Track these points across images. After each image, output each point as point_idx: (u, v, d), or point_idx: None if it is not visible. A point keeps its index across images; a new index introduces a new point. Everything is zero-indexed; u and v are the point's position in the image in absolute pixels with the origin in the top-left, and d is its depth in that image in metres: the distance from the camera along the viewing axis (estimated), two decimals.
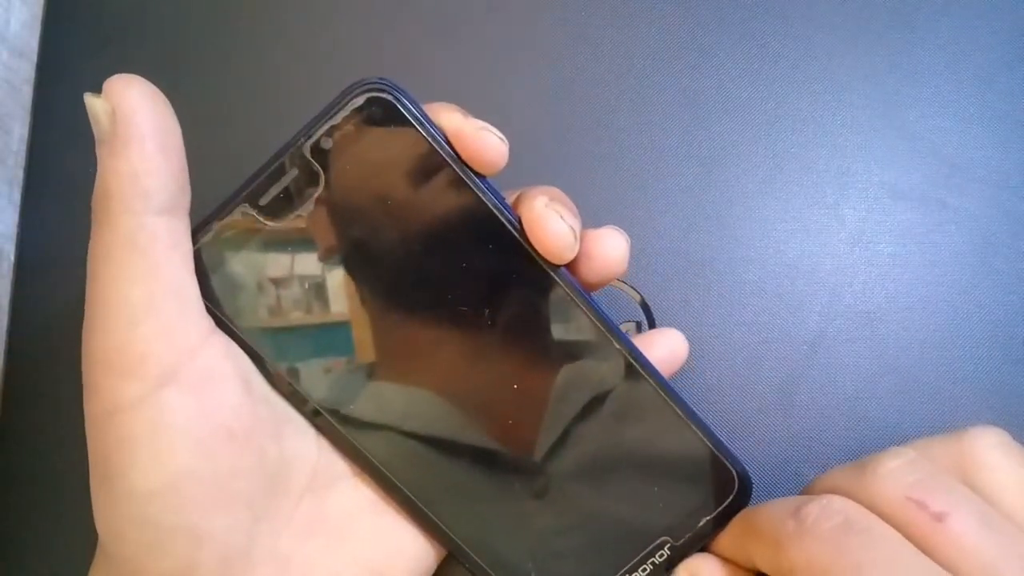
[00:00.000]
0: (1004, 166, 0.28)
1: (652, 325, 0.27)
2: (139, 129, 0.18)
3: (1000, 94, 0.28)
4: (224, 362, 0.20)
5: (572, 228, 0.21)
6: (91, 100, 0.18)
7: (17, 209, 0.28)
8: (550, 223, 0.20)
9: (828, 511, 0.18)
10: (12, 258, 0.28)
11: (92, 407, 0.19)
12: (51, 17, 0.29)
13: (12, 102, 0.28)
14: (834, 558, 0.17)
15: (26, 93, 0.28)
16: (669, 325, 0.27)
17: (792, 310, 0.27)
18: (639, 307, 0.27)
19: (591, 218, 0.27)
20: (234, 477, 0.19)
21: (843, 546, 0.17)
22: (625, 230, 0.27)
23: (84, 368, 0.19)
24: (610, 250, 0.22)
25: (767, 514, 0.20)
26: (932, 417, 0.26)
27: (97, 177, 0.18)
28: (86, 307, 0.19)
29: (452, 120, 0.20)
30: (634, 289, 0.27)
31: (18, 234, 0.28)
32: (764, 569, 0.20)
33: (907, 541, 0.17)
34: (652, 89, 0.28)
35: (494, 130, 0.20)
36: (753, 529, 0.20)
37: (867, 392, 0.26)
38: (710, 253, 0.27)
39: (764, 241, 0.27)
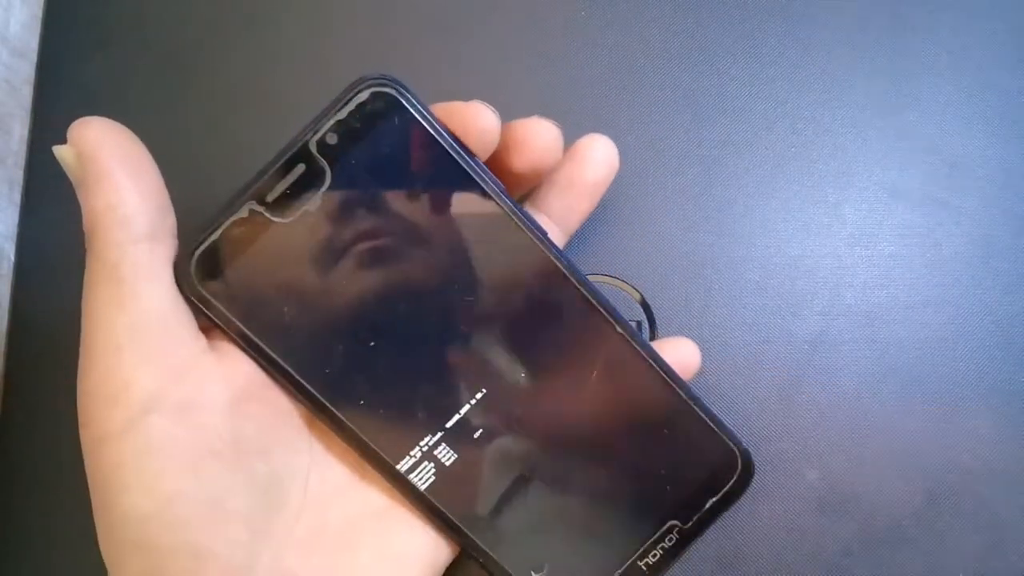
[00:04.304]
0: (1004, 166, 0.28)
1: (652, 323, 0.27)
2: (106, 164, 0.19)
3: (1000, 94, 0.28)
4: (212, 383, 0.20)
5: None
6: (58, 150, 0.19)
7: (17, 209, 0.28)
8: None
9: None
10: (12, 258, 0.28)
11: (85, 436, 0.19)
12: (51, 17, 0.29)
13: (12, 102, 0.28)
14: None
15: (26, 93, 0.28)
16: (669, 324, 0.27)
17: (793, 310, 0.27)
18: (639, 306, 0.27)
19: (592, 219, 0.27)
20: (227, 495, 0.19)
21: None
22: (625, 230, 0.27)
23: (77, 398, 0.19)
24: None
25: None
26: (932, 417, 0.26)
27: (83, 217, 0.19)
28: (80, 338, 0.19)
29: (442, 106, 0.21)
30: (634, 288, 0.27)
31: (18, 234, 0.28)
32: None
33: None
34: (652, 89, 0.28)
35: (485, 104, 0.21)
36: None
37: (867, 392, 0.26)
38: (710, 253, 0.27)
39: (765, 240, 0.27)
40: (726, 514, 0.26)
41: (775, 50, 0.28)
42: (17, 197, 0.28)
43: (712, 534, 0.26)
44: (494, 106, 0.21)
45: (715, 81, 0.28)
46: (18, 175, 0.28)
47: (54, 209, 0.28)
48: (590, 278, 0.24)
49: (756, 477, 0.26)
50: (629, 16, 0.29)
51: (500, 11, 0.29)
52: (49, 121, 0.28)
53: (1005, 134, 0.28)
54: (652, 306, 0.27)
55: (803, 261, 0.27)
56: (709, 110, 0.28)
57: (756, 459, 0.25)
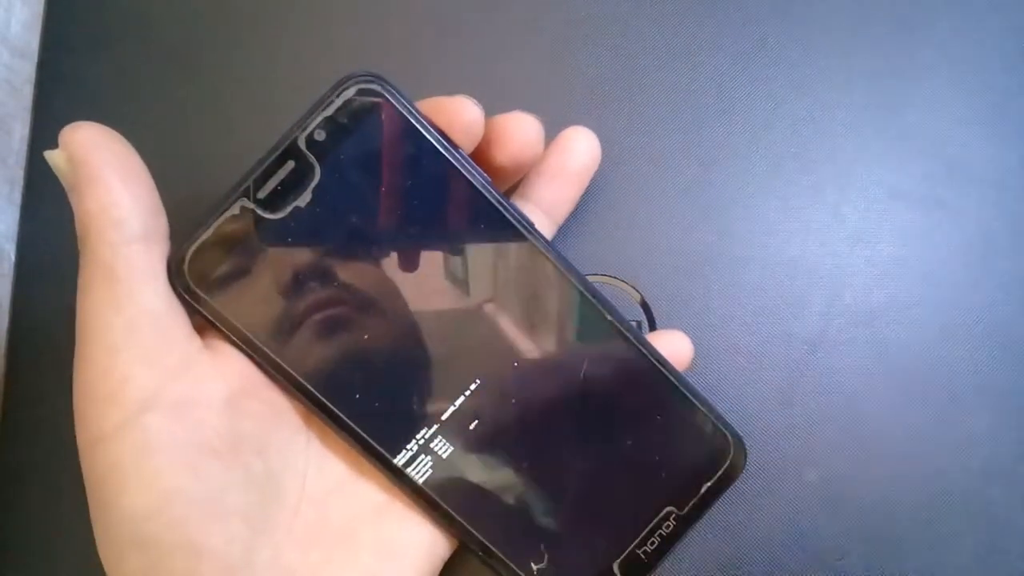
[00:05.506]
0: (1004, 166, 0.28)
1: (652, 325, 0.27)
2: (97, 167, 0.19)
3: (1000, 94, 0.28)
4: (208, 381, 0.20)
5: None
6: (50, 154, 0.19)
7: (18, 209, 0.28)
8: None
9: None
10: (13, 258, 0.28)
11: (81, 436, 0.19)
12: (52, 17, 0.29)
13: (13, 102, 0.28)
14: None
15: (27, 93, 0.28)
16: (669, 325, 0.27)
17: (792, 310, 0.27)
18: (639, 307, 0.27)
19: (591, 219, 0.27)
20: (225, 492, 0.19)
21: None
22: (625, 230, 0.27)
23: (74, 398, 0.19)
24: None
25: None
26: (932, 417, 0.26)
27: (75, 220, 0.19)
28: (76, 339, 0.19)
29: (427, 102, 0.21)
30: (634, 289, 0.27)
31: (19, 234, 0.28)
32: None
33: None
34: (652, 89, 0.28)
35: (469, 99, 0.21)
36: None
37: (867, 392, 0.26)
38: (710, 253, 0.27)
39: (764, 241, 0.27)
40: (726, 514, 0.26)
41: (775, 50, 0.28)
42: (18, 197, 0.28)
43: (711, 534, 0.26)
44: (495, 107, 0.22)
45: (715, 81, 0.28)
46: (19, 175, 0.28)
47: (55, 209, 0.28)
48: (590, 278, 0.24)
49: (756, 477, 0.26)
50: (629, 16, 0.29)
51: (500, 11, 0.29)
52: (50, 121, 0.29)
53: (1005, 134, 0.28)
54: (652, 306, 0.27)
55: (802, 261, 0.27)
56: (709, 110, 0.28)
57: (756, 459, 0.25)
